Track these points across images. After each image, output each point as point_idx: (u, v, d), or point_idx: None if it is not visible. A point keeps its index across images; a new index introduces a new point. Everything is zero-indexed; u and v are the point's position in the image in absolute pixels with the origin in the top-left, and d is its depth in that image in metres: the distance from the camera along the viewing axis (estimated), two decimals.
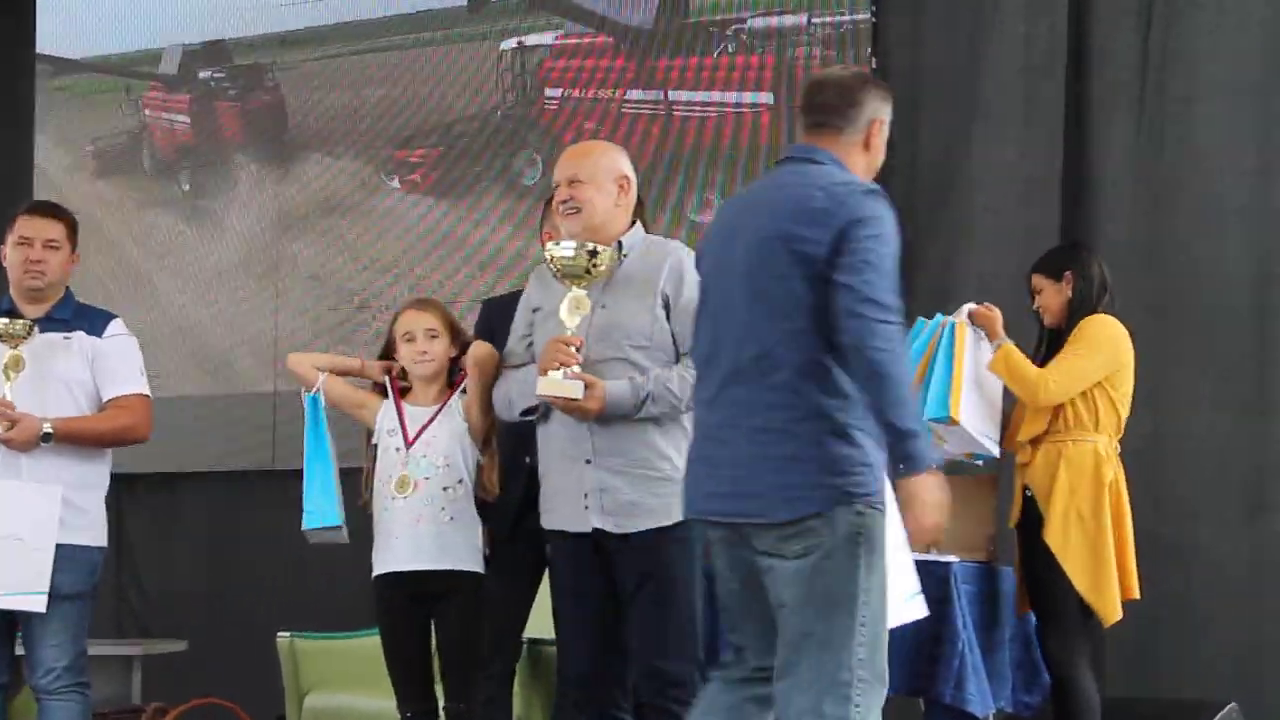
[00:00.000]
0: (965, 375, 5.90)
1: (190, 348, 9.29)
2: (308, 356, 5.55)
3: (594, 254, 4.90)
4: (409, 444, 5.30)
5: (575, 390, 4.83)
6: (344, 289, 9.00)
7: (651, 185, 7.97)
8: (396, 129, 8.93)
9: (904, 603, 4.94)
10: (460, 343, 5.42)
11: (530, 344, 5.15)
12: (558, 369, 4.85)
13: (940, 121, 7.95)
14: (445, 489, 5.27)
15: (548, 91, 8.46)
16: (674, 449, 4.90)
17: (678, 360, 4.94)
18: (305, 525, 5.37)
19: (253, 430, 8.93)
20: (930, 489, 4.05)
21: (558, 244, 4.94)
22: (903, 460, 4.04)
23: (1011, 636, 6.07)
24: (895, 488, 4.14)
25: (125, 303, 8.85)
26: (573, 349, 4.87)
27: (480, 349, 5.29)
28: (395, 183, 8.83)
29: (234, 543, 9.25)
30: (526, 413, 5.10)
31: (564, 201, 5.03)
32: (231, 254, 9.31)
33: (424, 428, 5.32)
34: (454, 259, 8.71)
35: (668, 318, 4.95)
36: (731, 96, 7.98)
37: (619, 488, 4.90)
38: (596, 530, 4.95)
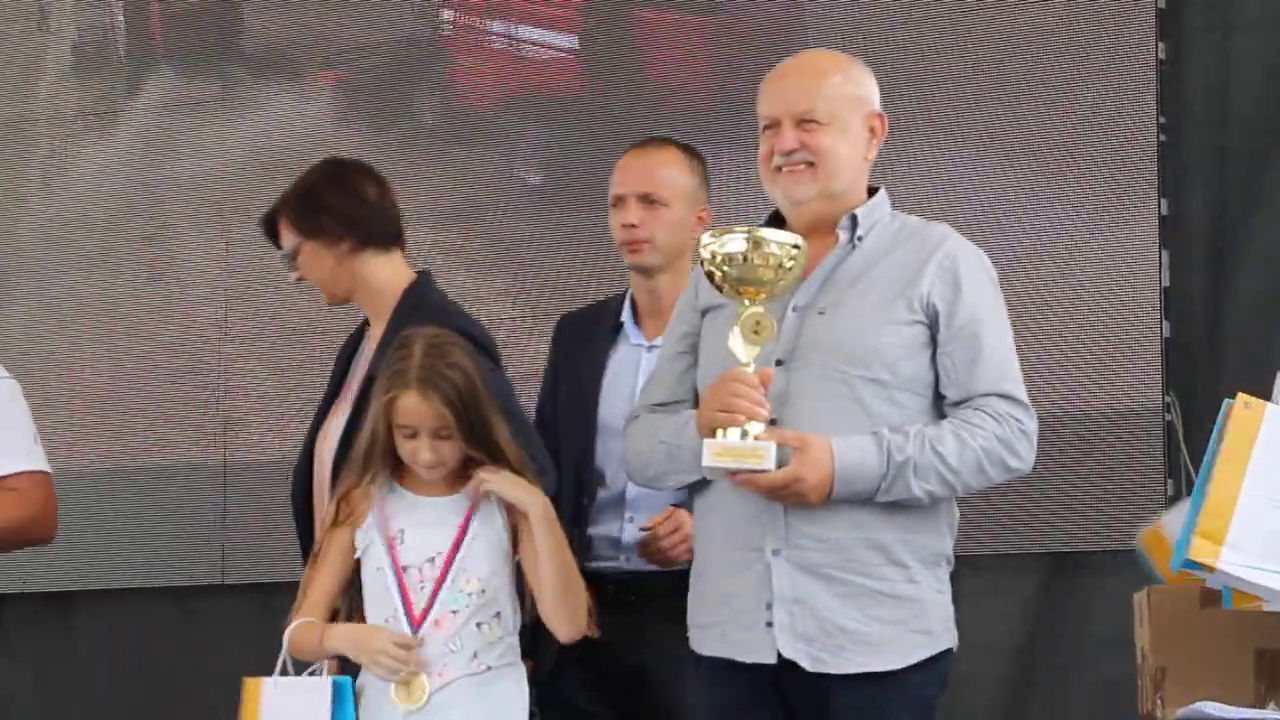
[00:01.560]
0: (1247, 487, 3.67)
1: (90, 393, 7.14)
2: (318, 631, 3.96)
3: (795, 249, 3.67)
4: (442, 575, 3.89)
5: (763, 458, 3.65)
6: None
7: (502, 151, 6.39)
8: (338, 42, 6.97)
9: None
10: (476, 434, 3.91)
11: (690, 367, 3.93)
12: (738, 425, 3.65)
13: (1258, 46, 5.50)
14: (480, 625, 3.93)
15: (444, 13, 6.76)
16: (910, 552, 3.75)
17: (936, 410, 3.78)
18: None
19: (191, 527, 6.93)
20: None
21: (718, 234, 3.75)
22: None
23: None
24: None
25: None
26: (757, 393, 3.68)
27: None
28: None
29: (166, 697, 6.88)
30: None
31: (788, 153, 3.83)
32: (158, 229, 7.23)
33: (459, 538, 3.90)
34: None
35: (933, 340, 3.79)
36: (535, 32, 6.55)
37: (822, 600, 3.75)
38: (784, 663, 3.76)
